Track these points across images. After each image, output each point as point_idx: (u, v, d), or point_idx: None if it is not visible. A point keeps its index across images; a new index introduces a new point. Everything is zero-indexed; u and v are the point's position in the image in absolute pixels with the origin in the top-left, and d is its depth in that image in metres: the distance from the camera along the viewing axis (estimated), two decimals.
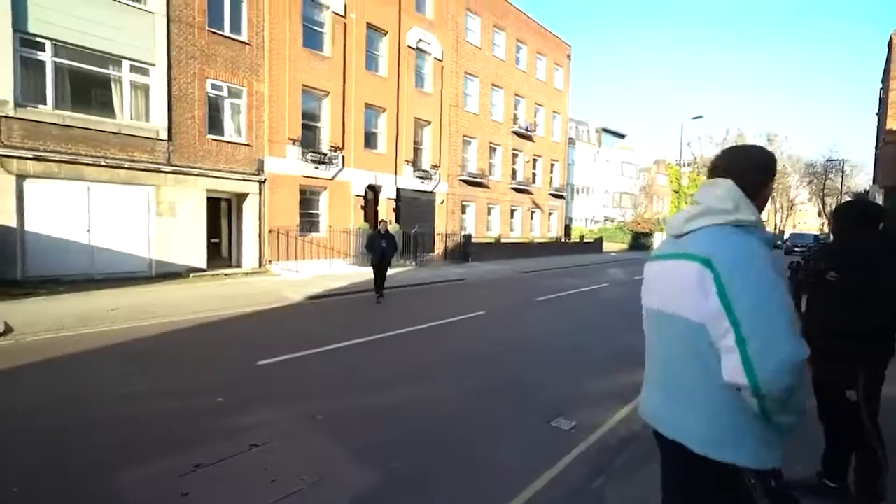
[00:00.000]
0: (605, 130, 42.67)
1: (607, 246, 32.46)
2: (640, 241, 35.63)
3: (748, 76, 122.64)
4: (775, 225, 58.60)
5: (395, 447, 3.36)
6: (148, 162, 11.83)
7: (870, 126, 57.58)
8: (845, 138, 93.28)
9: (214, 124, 13.36)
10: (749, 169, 1.41)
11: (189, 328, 6.91)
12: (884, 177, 26.36)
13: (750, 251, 1.24)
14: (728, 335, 1.18)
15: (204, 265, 12.94)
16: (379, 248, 9.54)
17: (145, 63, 11.81)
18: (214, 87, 13.16)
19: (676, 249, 1.38)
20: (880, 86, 31.15)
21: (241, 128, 14.00)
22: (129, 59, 11.54)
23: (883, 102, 29.32)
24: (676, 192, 41.63)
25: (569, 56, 29.87)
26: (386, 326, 7.22)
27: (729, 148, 1.50)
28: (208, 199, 13.27)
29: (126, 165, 11.38)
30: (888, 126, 27.50)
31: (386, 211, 18.21)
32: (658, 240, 37.90)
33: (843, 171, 48.43)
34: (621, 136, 45.89)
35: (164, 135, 12.08)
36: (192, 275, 12.35)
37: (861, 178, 52.35)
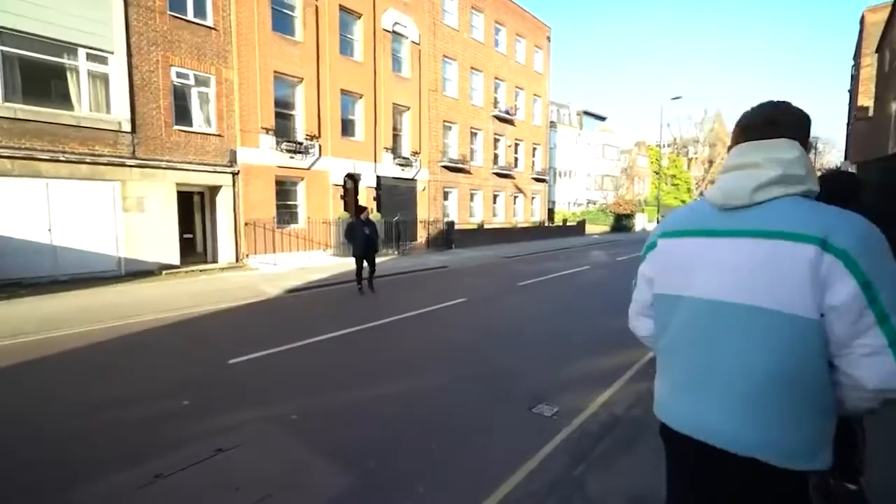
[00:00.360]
0: (586, 113, 42.63)
1: (590, 228, 32.66)
2: (621, 223, 35.93)
3: (725, 56, 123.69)
4: None
5: (372, 445, 3.22)
6: (111, 156, 11.29)
7: (841, 103, 58.86)
8: (817, 116, 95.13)
9: (182, 115, 12.81)
10: (807, 129, 1.19)
11: (157, 328, 6.62)
12: (854, 153, 26.96)
13: (870, 228, 1.03)
14: (871, 332, 0.98)
15: (177, 261, 12.52)
16: (361, 236, 9.17)
17: (103, 51, 11.18)
18: (180, 75, 12.58)
19: (745, 225, 1.11)
20: (852, 63, 31.68)
21: (211, 118, 13.46)
22: (85, 46, 10.90)
23: (855, 79, 29.86)
24: (657, 172, 42.01)
25: (548, 38, 29.53)
26: (364, 318, 7.04)
27: (780, 102, 1.21)
28: (179, 192, 12.79)
29: (88, 160, 10.84)
30: (859, 103, 28.02)
31: (366, 200, 17.87)
32: (640, 221, 38.33)
33: (815, 149, 49.42)
34: (602, 118, 45.94)
35: (127, 127, 11.52)
36: (164, 272, 11.94)
37: (833, 154, 53.46)
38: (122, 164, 11.47)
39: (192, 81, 12.85)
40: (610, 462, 2.95)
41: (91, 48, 11.01)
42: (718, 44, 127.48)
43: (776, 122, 1.17)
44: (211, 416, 3.68)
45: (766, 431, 1.07)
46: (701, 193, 51.25)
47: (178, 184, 12.57)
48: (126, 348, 5.69)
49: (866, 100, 26.58)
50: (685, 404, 1.21)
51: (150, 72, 11.91)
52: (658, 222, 1.57)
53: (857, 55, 29.29)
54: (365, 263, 9.50)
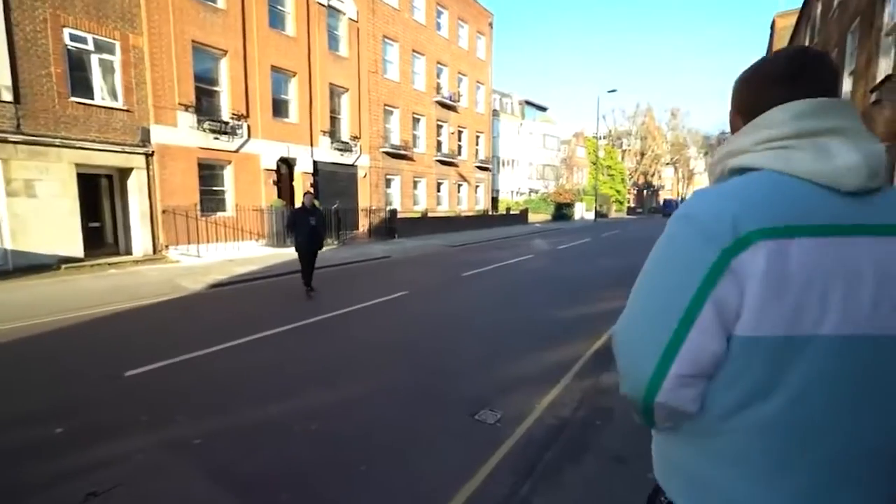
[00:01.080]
0: (528, 103, 43.22)
1: (532, 217, 33.31)
2: (562, 212, 37.01)
3: (657, 53, 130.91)
4: (678, 192, 64.08)
5: (289, 471, 2.75)
6: None
7: None
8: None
9: (81, 85, 11.15)
10: None
11: (39, 335, 5.61)
12: None
13: None
14: None
15: (80, 254, 10.99)
16: (307, 227, 7.65)
17: None
18: (75, 38, 10.90)
19: (891, 215, 0.76)
20: None
21: (117, 90, 11.86)
22: None
23: None
24: (594, 163, 43.65)
25: (491, 24, 29.33)
26: (293, 316, 6.43)
27: (826, 53, 0.91)
28: (81, 175, 11.20)
29: None
30: None
31: (302, 186, 16.80)
32: (579, 210, 39.70)
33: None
34: (543, 109, 46.85)
35: (8, 96, 9.81)
36: (64, 266, 10.43)
37: None
38: (4, 140, 9.79)
39: (90, 46, 11.20)
40: (558, 476, 2.71)
41: None
42: (654, 41, 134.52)
43: (836, 74, 0.87)
44: (90, 447, 3.02)
45: None
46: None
47: (77, 164, 10.99)
48: None
49: None
50: None
51: (35, 32, 10.20)
52: (685, 206, 0.86)
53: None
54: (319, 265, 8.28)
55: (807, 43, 18.18)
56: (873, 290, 0.72)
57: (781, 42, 26.85)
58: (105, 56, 11.56)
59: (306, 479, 2.69)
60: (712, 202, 0.79)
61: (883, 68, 8.76)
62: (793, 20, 22.43)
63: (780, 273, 0.72)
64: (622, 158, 52.10)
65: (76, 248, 10.96)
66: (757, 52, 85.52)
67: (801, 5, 19.68)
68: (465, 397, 3.79)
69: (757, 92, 0.89)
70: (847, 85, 11.56)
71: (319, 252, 8.08)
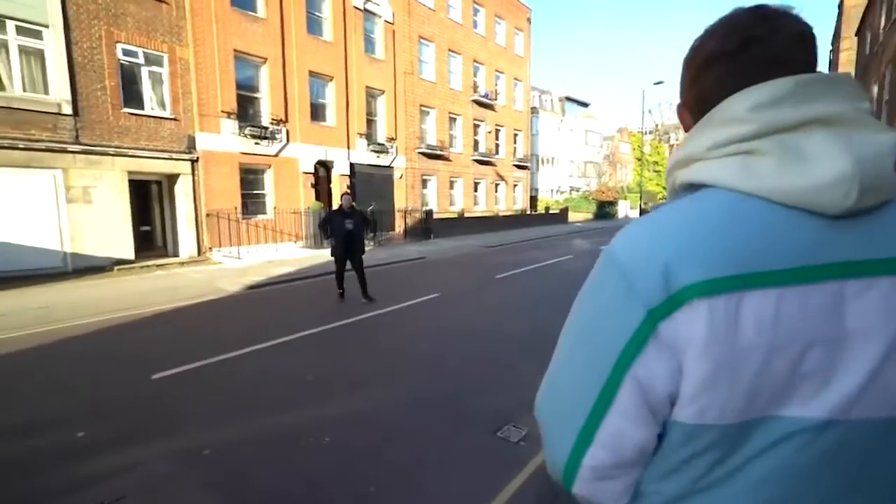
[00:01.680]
0: (569, 99, 42.03)
1: (573, 216, 32.33)
2: (604, 210, 35.71)
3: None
4: None
5: (296, 490, 2.60)
6: (50, 141, 10.27)
7: None
8: None
9: (132, 96, 11.78)
10: None
11: (83, 335, 5.85)
12: None
13: None
14: None
15: (132, 256, 11.60)
16: (342, 231, 7.17)
17: (36, 24, 10.09)
18: (127, 52, 11.52)
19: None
20: (830, 47, 31.69)
21: (165, 100, 12.44)
22: (15, 18, 9.80)
23: (833, 64, 29.87)
24: (639, 159, 41.89)
25: (529, 20, 28.70)
26: (324, 319, 6.38)
27: (791, 8, 0.63)
28: (132, 181, 11.83)
29: (21, 146, 9.81)
30: None
31: (339, 188, 17.04)
32: (623, 208, 38.17)
33: None
34: (585, 104, 45.43)
35: (68, 109, 10.49)
36: (117, 268, 11.04)
37: None
38: (64, 150, 10.47)
39: (141, 60, 11.80)
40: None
41: (22, 20, 9.92)
42: (701, 21, 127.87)
43: (811, 38, 0.60)
44: (106, 454, 3.01)
45: None
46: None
47: (129, 172, 11.61)
48: (36, 361, 4.93)
49: None
50: None
51: (91, 48, 10.85)
52: (634, 244, 0.58)
53: (836, 39, 29.23)
54: (348, 264, 7.43)
55: (882, 21, 16.40)
56: (875, 359, 0.51)
57: (851, 23, 24.56)
58: (154, 68, 12.15)
59: (322, 499, 2.53)
60: (642, 241, 0.58)
61: None
62: None
63: (727, 342, 0.51)
64: (670, 154, 49.67)
65: (128, 250, 11.58)
66: (822, 38, 79.32)
67: None
68: (491, 412, 3.52)
69: (704, 76, 0.64)
70: None
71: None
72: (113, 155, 11.23)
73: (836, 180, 0.50)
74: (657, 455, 0.59)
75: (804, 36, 0.59)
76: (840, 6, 27.93)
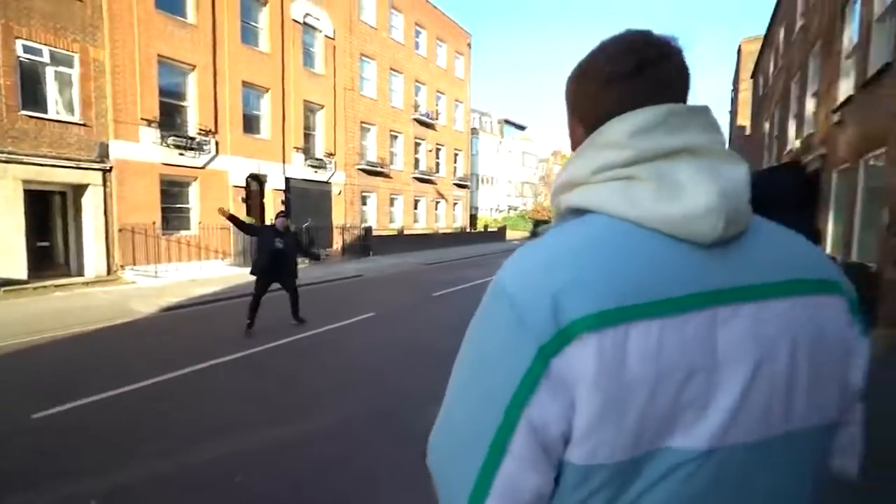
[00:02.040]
0: (507, 122, 43.79)
1: (510, 234, 33.36)
2: (539, 229, 37.21)
3: None
4: None
5: None
6: None
7: (723, 124, 66.71)
8: None
9: (33, 98, 10.61)
10: None
11: None
12: None
13: None
14: (855, 415, 0.65)
15: (24, 275, 10.26)
16: (270, 248, 6.40)
17: None
18: (29, 49, 10.40)
19: (759, 273, 0.55)
20: (731, 87, 35.78)
21: (74, 104, 11.33)
22: None
23: (734, 102, 33.72)
24: None
25: (469, 45, 29.72)
26: (248, 342, 5.98)
27: (673, 38, 0.64)
28: (28, 192, 10.56)
29: None
30: (738, 122, 31.68)
31: (274, 203, 16.34)
32: None
33: None
34: (522, 127, 47.53)
35: None
36: (3, 289, 9.70)
37: None
38: None
39: (46, 59, 10.71)
40: None
41: None
42: None
43: (684, 67, 0.63)
44: None
45: None
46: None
47: (24, 181, 10.36)
48: None
49: (744, 120, 30.05)
50: None
51: None
52: (512, 283, 0.56)
53: (736, 81, 33.12)
54: (275, 287, 6.73)
55: (772, 67, 18.82)
56: (743, 384, 0.52)
57: (747, 67, 27.91)
58: (62, 69, 11.06)
59: None
60: (530, 271, 0.55)
61: (844, 89, 8.96)
62: (758, 45, 23.32)
63: (615, 376, 0.49)
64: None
65: (19, 269, 10.24)
66: (725, 79, 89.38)
67: (765, 31, 20.46)
68: (424, 431, 3.42)
69: (594, 93, 0.64)
70: (811, 105, 11.86)
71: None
72: (4, 161, 9.98)
73: (708, 210, 0.52)
74: (554, 498, 0.56)
75: (684, 66, 0.62)
76: (738, 52, 31.71)
